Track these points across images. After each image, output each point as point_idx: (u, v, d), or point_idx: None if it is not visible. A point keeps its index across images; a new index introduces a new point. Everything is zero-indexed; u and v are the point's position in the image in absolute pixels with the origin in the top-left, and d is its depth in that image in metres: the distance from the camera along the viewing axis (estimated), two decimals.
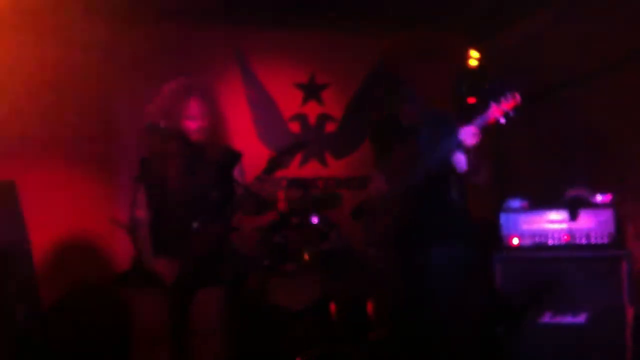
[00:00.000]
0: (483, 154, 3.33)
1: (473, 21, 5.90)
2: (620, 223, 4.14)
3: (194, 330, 3.29)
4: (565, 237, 4.15)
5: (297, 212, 4.85)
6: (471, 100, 5.53)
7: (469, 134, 3.21)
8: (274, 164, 3.38)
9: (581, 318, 3.99)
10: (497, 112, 3.20)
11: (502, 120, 3.20)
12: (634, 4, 4.30)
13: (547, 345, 3.99)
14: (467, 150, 3.25)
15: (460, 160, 3.30)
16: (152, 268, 3.27)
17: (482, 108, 3.29)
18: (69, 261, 5.15)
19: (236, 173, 3.51)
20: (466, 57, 5.68)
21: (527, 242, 4.22)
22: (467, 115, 3.34)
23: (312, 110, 6.18)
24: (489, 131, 3.29)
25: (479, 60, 5.64)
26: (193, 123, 3.35)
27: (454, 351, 3.29)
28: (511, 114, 3.19)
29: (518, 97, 3.19)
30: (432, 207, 3.41)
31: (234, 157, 3.52)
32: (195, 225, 3.29)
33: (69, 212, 5.15)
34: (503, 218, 4.29)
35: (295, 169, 5.89)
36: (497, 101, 3.20)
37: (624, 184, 4.37)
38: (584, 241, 4.12)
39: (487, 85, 5.29)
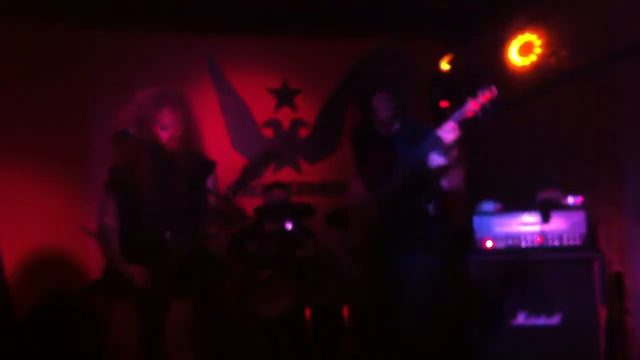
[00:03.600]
0: (462, 153, 3.29)
1: (446, 26, 5.93)
2: (592, 224, 4.18)
3: (166, 341, 3.26)
4: (538, 239, 4.18)
5: (271, 219, 4.83)
6: (444, 104, 5.55)
7: (447, 130, 3.16)
8: (247, 176, 3.34)
9: (555, 319, 4.01)
10: (474, 105, 3.13)
11: (480, 114, 3.15)
12: (602, 11, 4.35)
13: (522, 346, 4.01)
14: (447, 148, 3.20)
15: (435, 159, 3.26)
16: (124, 274, 3.23)
17: (458, 104, 3.24)
18: (40, 270, 5.09)
19: (209, 182, 3.47)
20: (439, 61, 5.70)
21: (501, 244, 4.24)
22: (441, 119, 3.31)
23: (286, 116, 6.17)
24: (467, 126, 3.23)
25: (451, 64, 5.67)
26: (166, 132, 3.32)
27: (428, 358, 3.29)
28: (488, 107, 3.14)
29: (494, 89, 3.15)
30: (408, 215, 3.40)
31: (208, 166, 3.49)
32: (167, 235, 3.25)
33: (40, 221, 5.09)
34: (476, 221, 4.31)
35: (269, 175, 5.86)
36: (474, 95, 3.15)
37: (595, 186, 4.40)
38: (556, 243, 4.15)
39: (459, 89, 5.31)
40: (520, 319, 4.06)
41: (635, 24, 4.07)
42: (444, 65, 5.64)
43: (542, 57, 4.69)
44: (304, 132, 6.20)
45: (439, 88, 5.43)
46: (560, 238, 4.14)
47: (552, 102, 4.94)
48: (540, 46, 4.69)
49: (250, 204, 4.59)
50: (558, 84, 4.82)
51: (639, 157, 4.20)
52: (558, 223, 4.16)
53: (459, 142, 3.21)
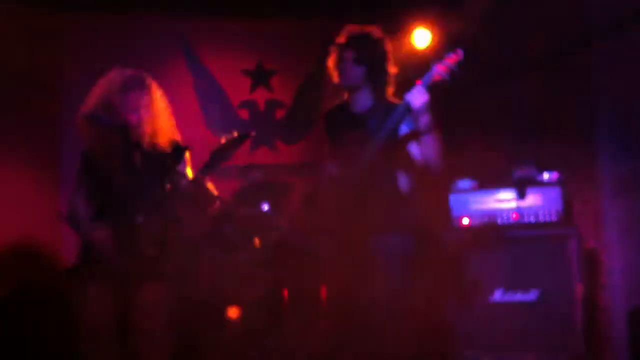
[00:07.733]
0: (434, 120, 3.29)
1: (420, 3, 5.89)
2: (567, 201, 4.19)
3: (139, 327, 3.24)
4: (514, 215, 4.19)
5: (246, 202, 4.81)
6: (419, 82, 5.53)
7: (415, 95, 3.19)
8: (217, 158, 3.32)
9: (532, 295, 4.03)
10: (441, 68, 3.18)
11: (447, 77, 3.18)
12: None
13: (498, 322, 4.03)
14: (417, 113, 3.23)
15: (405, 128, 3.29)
16: (91, 240, 3.20)
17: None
18: (12, 258, 5.03)
19: (181, 166, 3.45)
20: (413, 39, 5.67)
21: (477, 222, 4.25)
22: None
23: (261, 97, 6.13)
24: (435, 90, 3.24)
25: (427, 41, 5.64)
26: (134, 116, 3.28)
27: (401, 338, 3.28)
28: (455, 70, 3.18)
29: (460, 52, 3.19)
30: (381, 193, 3.38)
31: (180, 150, 3.46)
32: (139, 219, 3.22)
33: (11, 208, 5.02)
34: (453, 199, 4.32)
35: (245, 156, 5.83)
36: (440, 58, 3.19)
37: (570, 162, 4.42)
38: (532, 219, 4.16)
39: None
40: (497, 295, 4.08)
41: (610, 5, 4.08)
42: (419, 43, 5.62)
43: None
44: (280, 113, 6.16)
45: (413, 66, 5.42)
46: (536, 214, 4.16)
47: (528, 80, 4.94)
48: None
49: (223, 186, 4.57)
50: (534, 63, 4.82)
51: (613, 133, 4.22)
52: (534, 199, 4.18)
53: (429, 108, 3.23)
